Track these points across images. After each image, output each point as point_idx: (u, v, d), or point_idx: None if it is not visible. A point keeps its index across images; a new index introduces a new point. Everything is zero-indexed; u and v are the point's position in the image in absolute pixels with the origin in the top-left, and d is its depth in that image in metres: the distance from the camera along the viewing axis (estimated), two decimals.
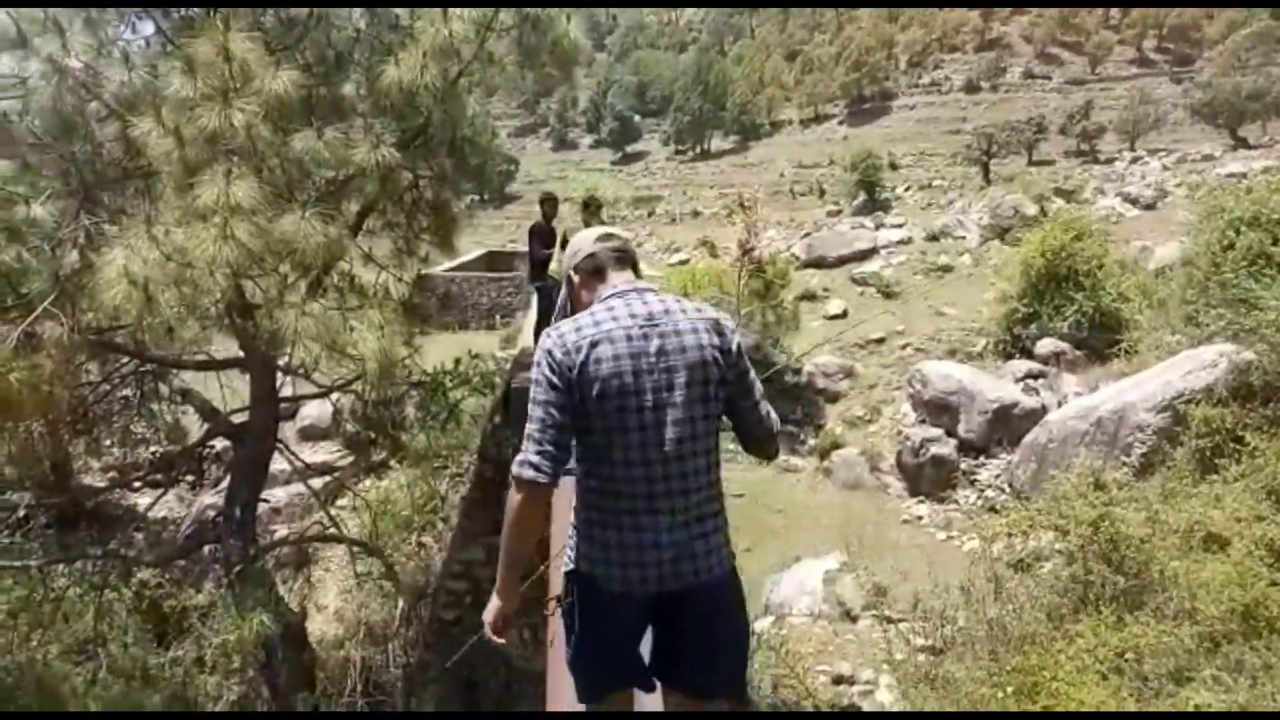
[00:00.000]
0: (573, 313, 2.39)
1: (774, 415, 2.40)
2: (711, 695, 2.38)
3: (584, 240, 2.50)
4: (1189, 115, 50.63)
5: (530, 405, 2.20)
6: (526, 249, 9.71)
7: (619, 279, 2.37)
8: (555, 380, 2.16)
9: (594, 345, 2.15)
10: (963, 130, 57.40)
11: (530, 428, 2.18)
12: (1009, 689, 6.70)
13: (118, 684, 8.06)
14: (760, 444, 2.40)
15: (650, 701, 2.56)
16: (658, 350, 2.17)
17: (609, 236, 2.48)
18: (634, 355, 2.16)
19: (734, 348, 2.27)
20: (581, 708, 2.52)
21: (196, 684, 8.38)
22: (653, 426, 2.15)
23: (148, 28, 6.86)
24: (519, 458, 2.19)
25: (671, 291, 2.53)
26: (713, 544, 2.24)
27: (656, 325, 2.21)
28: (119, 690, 8.04)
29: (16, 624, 8.13)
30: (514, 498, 2.20)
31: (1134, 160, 45.37)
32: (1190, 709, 6.07)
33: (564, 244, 8.21)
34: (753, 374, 2.35)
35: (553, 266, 8.55)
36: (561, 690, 3.01)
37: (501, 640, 2.46)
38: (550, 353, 2.19)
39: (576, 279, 2.46)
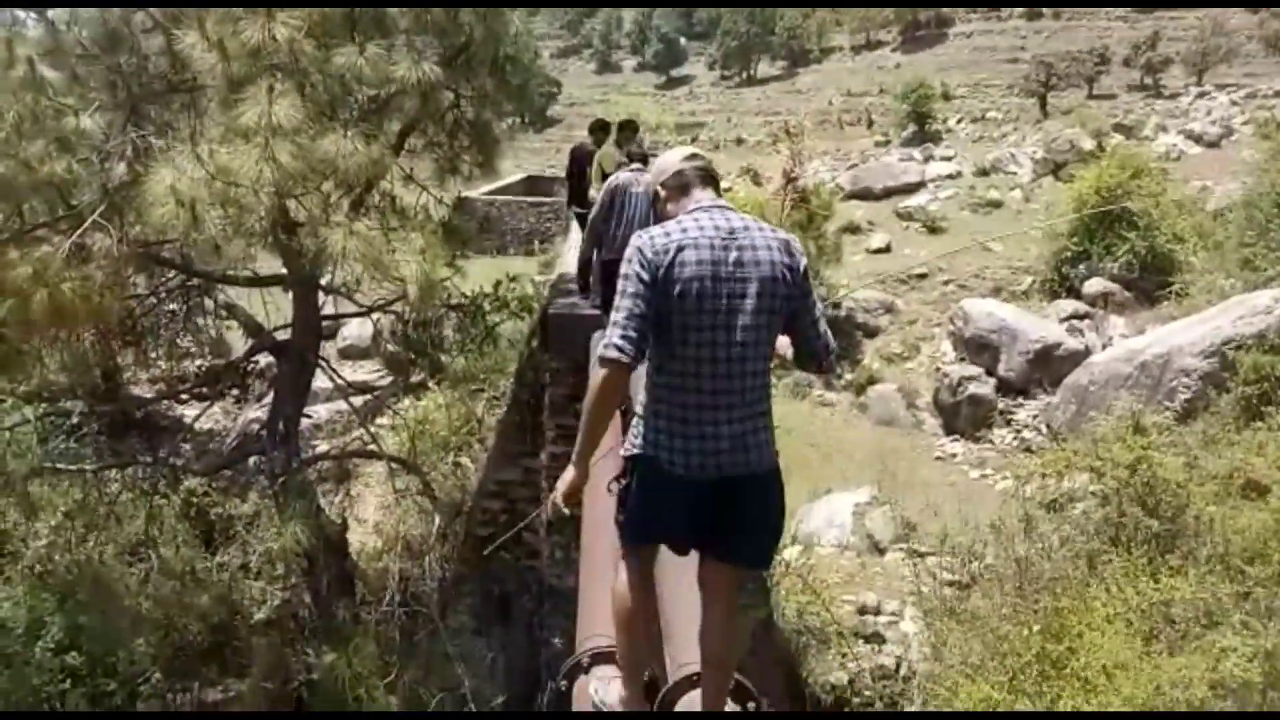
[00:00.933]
0: (657, 223, 2.62)
1: (830, 335, 2.66)
2: (752, 567, 2.75)
3: (672, 158, 2.73)
4: (1264, 48, 48.19)
5: (618, 296, 2.41)
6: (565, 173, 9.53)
7: (703, 196, 2.59)
8: (644, 275, 2.38)
9: (680, 249, 2.38)
10: (1021, 60, 55.24)
11: (617, 316, 2.38)
12: (1034, 628, 6.75)
13: (168, 584, 8.42)
14: (816, 358, 2.66)
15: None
16: (735, 261, 2.40)
17: (695, 156, 2.72)
18: (714, 263, 2.38)
19: (802, 268, 2.51)
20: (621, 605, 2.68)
21: (242, 588, 8.73)
22: (723, 328, 2.38)
23: None
24: (604, 341, 2.40)
25: None
26: (763, 439, 2.48)
27: (736, 239, 2.43)
28: (170, 589, 8.41)
29: (73, 525, 8.50)
30: (599, 375, 2.42)
31: (1200, 95, 43.45)
32: (1216, 652, 6.09)
33: (602, 174, 7.80)
34: (815, 294, 2.60)
35: (591, 193, 8.15)
36: (594, 611, 3.09)
37: (567, 511, 2.68)
38: (641, 250, 2.41)
39: (664, 193, 2.68)
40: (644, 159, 6.46)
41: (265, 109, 5.15)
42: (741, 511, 2.50)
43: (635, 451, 2.52)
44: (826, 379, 17.94)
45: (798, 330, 2.58)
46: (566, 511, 2.67)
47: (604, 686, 2.76)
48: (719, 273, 2.38)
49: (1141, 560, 7.07)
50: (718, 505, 2.49)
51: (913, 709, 7.75)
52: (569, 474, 2.60)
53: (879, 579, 10.92)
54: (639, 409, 2.56)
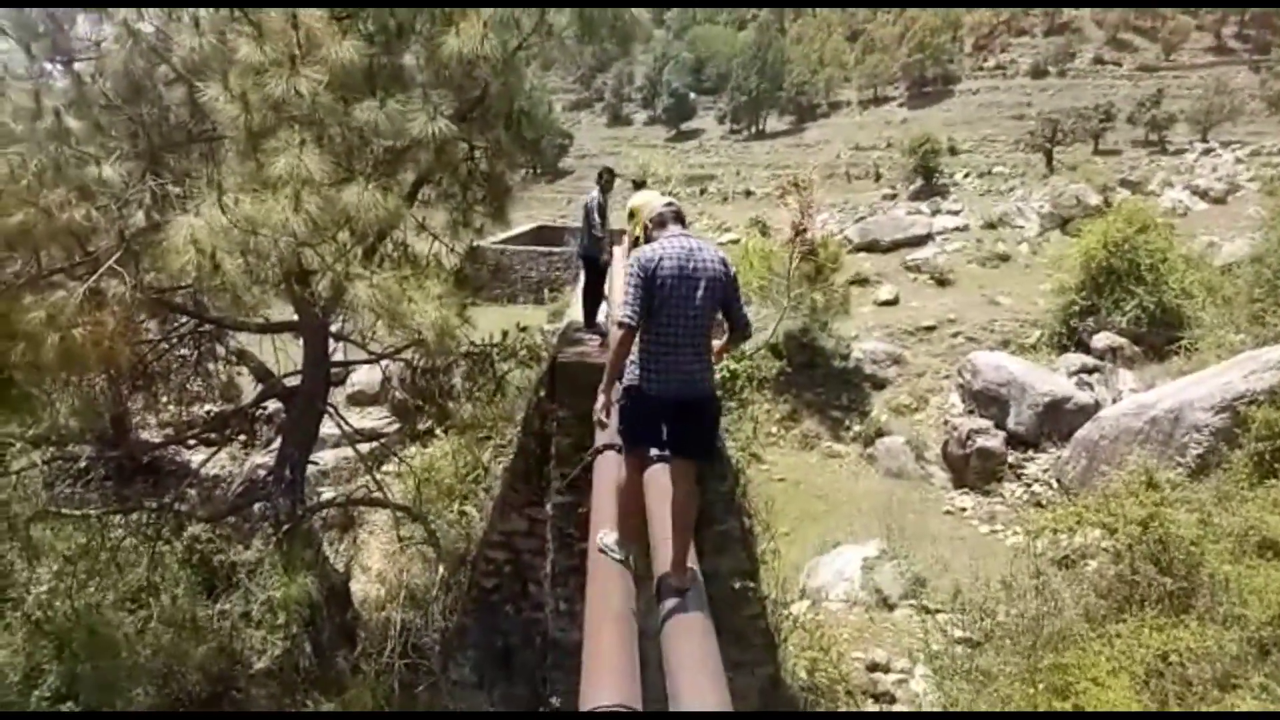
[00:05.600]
0: (647, 243, 4.02)
1: (749, 318, 4.18)
2: (699, 461, 4.05)
3: (656, 204, 4.17)
4: (1266, 107, 48.79)
5: (624, 289, 3.86)
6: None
7: (675, 228, 4.03)
8: (640, 276, 3.78)
9: (661, 260, 3.80)
10: (1027, 116, 55.93)
11: (624, 298, 3.82)
12: (1040, 686, 6.63)
13: (168, 633, 8.31)
14: (740, 330, 4.12)
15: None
16: (692, 268, 3.83)
17: (670, 203, 4.16)
18: (680, 268, 3.80)
19: (733, 274, 3.96)
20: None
21: (243, 637, 8.62)
22: (684, 306, 3.80)
23: None
24: (618, 314, 3.84)
25: None
26: (706, 376, 3.94)
27: (693, 255, 3.86)
28: (169, 638, 8.30)
29: (75, 570, 8.43)
30: (616, 335, 3.93)
31: (1205, 152, 43.85)
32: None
33: (587, 215, 8.48)
34: (740, 290, 4.04)
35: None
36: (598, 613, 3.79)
37: (606, 421, 4.13)
38: (639, 261, 3.84)
39: (650, 225, 4.10)
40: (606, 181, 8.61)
41: (296, 160, 5.24)
42: (694, 422, 3.93)
43: (629, 382, 3.97)
44: (835, 432, 17.94)
45: (729, 312, 4.01)
46: (605, 419, 4.10)
47: (607, 534, 4.20)
48: (683, 274, 3.80)
49: (1156, 620, 6.95)
50: (677, 417, 3.91)
51: None
52: (600, 398, 4.10)
53: (888, 635, 10.75)
54: (634, 357, 3.95)
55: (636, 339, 3.89)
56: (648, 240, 4.07)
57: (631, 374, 3.96)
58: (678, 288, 3.78)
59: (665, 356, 3.85)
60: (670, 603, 3.77)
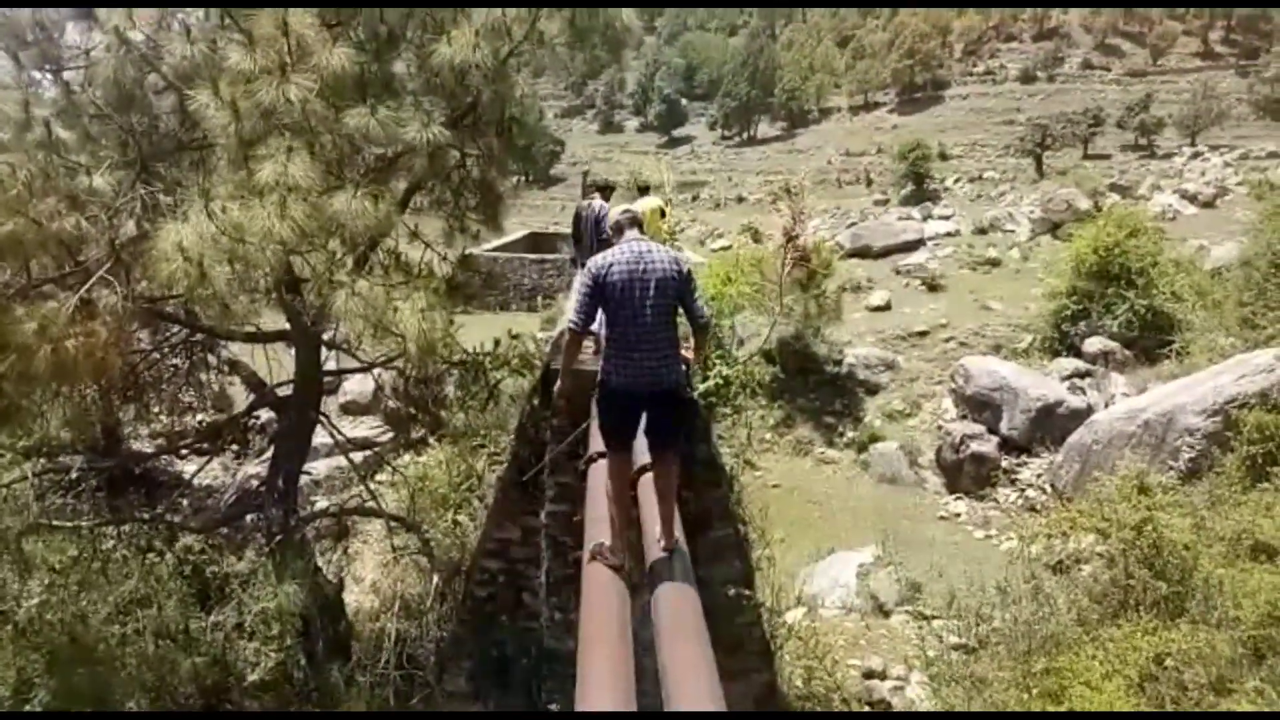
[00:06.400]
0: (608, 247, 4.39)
1: (707, 311, 4.43)
2: (666, 450, 4.35)
3: (615, 213, 4.54)
4: (1254, 110, 49.15)
5: (575, 296, 4.26)
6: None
7: (631, 234, 4.33)
8: (589, 284, 4.11)
9: (611, 266, 4.10)
10: (1016, 121, 56.30)
11: (574, 306, 4.21)
12: (1033, 690, 6.63)
13: (161, 645, 8.22)
14: (700, 324, 4.36)
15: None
16: (643, 270, 4.09)
17: (626, 211, 4.51)
18: (630, 272, 4.08)
19: (685, 271, 4.22)
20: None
21: (236, 649, 8.54)
22: (638, 308, 4.07)
23: None
24: (567, 321, 4.22)
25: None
26: (669, 368, 4.17)
27: (643, 258, 4.12)
28: (162, 650, 8.22)
29: (66, 582, 8.35)
30: (564, 339, 4.38)
31: (1194, 156, 44.17)
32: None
33: (586, 222, 8.76)
34: (696, 288, 4.34)
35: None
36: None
37: (562, 401, 4.97)
38: (588, 269, 4.17)
39: (611, 233, 4.49)
40: (599, 191, 8.99)
41: (283, 167, 5.23)
42: (661, 413, 4.26)
43: (601, 376, 4.28)
44: (829, 438, 17.96)
45: (685, 306, 4.27)
46: (561, 403, 4.95)
47: (600, 543, 4.26)
48: (633, 277, 4.08)
49: (1150, 624, 6.96)
50: (648, 410, 4.24)
51: None
52: (558, 384, 4.84)
53: (884, 642, 10.73)
54: (606, 354, 4.29)
55: (604, 338, 4.26)
56: (609, 246, 4.42)
57: (603, 370, 4.27)
58: (629, 289, 4.06)
59: (627, 354, 4.12)
60: (660, 588, 3.97)
